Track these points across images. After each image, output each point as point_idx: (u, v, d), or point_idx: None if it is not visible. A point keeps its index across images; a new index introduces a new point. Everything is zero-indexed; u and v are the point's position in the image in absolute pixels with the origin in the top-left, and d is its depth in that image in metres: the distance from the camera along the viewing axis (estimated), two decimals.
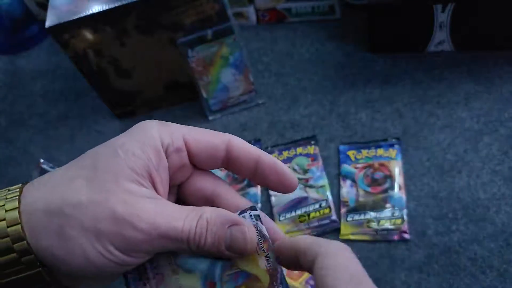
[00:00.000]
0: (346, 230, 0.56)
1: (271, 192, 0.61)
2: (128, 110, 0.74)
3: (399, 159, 0.59)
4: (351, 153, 0.61)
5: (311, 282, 0.53)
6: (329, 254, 0.23)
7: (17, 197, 0.24)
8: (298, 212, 0.58)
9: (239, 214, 0.27)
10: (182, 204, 0.26)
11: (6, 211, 0.24)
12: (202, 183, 0.28)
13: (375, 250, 0.54)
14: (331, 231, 0.57)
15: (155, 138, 0.25)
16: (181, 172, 0.28)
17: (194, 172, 0.28)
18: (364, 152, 0.61)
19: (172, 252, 0.26)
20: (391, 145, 0.61)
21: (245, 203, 0.28)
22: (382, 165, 0.59)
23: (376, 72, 0.69)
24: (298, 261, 0.25)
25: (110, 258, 0.24)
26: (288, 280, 0.54)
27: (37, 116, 0.79)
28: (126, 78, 0.68)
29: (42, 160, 0.65)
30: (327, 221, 0.57)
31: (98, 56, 0.64)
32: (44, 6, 0.86)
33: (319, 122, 0.66)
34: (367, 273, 0.24)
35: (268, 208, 0.60)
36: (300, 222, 0.57)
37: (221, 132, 0.28)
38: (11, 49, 0.89)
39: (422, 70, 0.67)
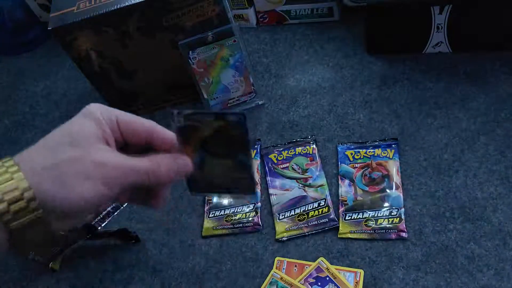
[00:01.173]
0: (344, 228, 0.57)
1: (270, 191, 0.62)
2: (130, 111, 0.74)
3: (396, 159, 0.60)
4: (349, 153, 0.62)
5: (310, 280, 0.54)
6: None
7: (13, 163, 0.32)
8: (297, 210, 0.59)
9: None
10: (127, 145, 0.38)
11: (11, 173, 0.31)
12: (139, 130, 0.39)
13: (373, 249, 0.55)
14: (329, 229, 0.57)
15: (101, 118, 0.36)
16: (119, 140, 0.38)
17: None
18: (362, 152, 0.61)
19: None
20: (389, 145, 0.61)
21: (172, 135, 0.39)
22: (380, 164, 0.60)
23: (374, 73, 0.70)
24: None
25: (96, 191, 0.33)
26: (287, 278, 0.54)
27: (40, 117, 0.80)
28: (128, 79, 0.69)
29: None
30: (325, 219, 0.57)
31: (100, 57, 0.65)
32: (46, 8, 0.87)
33: (318, 122, 0.67)
34: None
35: (268, 207, 0.61)
36: (299, 220, 0.58)
37: (146, 120, 0.39)
38: (14, 50, 0.90)
39: (420, 71, 0.68)
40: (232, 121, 0.39)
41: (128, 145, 0.38)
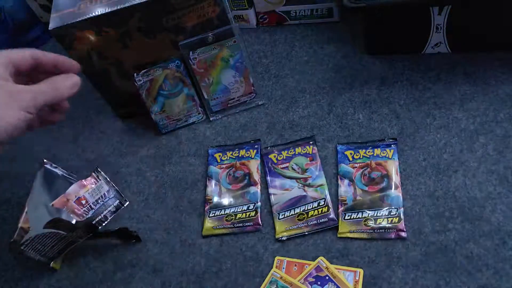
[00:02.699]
0: (344, 228, 0.57)
1: (270, 191, 0.62)
2: (130, 111, 0.75)
3: (396, 159, 0.60)
4: (348, 153, 0.62)
5: (310, 279, 0.54)
6: None
7: None
8: (297, 210, 0.59)
9: None
10: None
11: None
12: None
13: (373, 248, 0.55)
14: (329, 229, 0.58)
15: (7, 61, 0.45)
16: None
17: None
18: (362, 152, 0.62)
19: None
20: (388, 145, 0.62)
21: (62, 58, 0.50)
22: (379, 164, 0.60)
23: (373, 73, 0.70)
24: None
25: (18, 117, 0.42)
26: (287, 278, 0.54)
27: None
28: (129, 79, 0.69)
29: (45, 160, 0.65)
30: (325, 219, 0.58)
31: (101, 57, 0.65)
32: (47, 8, 0.87)
33: (317, 122, 0.67)
34: None
35: (268, 207, 0.61)
36: (299, 220, 0.58)
37: (50, 53, 0.49)
38: None
39: (419, 72, 0.68)
40: (174, 66, 0.64)
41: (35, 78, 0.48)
